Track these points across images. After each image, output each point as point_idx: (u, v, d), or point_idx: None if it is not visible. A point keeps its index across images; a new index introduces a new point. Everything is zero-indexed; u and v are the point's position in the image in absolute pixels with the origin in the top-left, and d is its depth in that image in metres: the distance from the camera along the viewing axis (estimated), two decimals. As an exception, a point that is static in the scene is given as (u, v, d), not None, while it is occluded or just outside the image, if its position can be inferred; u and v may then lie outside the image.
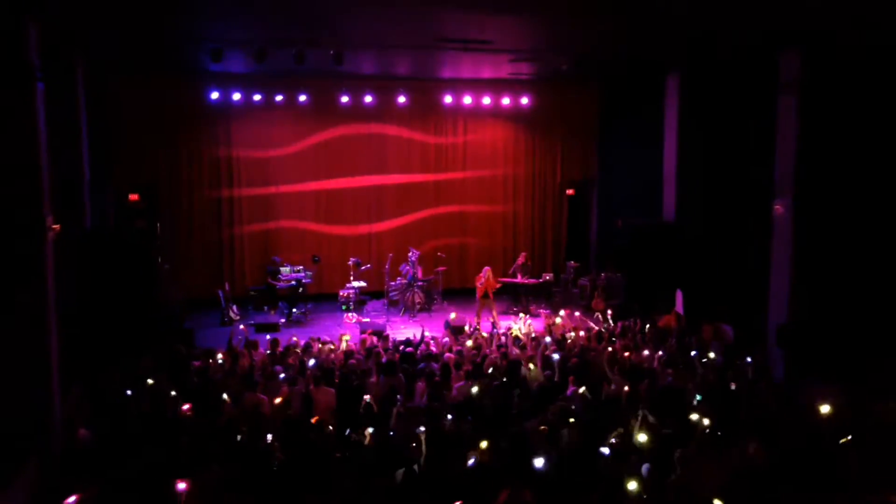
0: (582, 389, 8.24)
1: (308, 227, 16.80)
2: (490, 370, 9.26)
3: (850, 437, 6.67)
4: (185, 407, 7.61)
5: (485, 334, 11.47)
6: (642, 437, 6.61)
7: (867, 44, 9.87)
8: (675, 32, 11.26)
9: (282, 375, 8.70)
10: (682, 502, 5.82)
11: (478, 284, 14.39)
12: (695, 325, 11.79)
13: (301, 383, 8.54)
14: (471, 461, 6.23)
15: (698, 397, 8.12)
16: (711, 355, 9.69)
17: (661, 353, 9.90)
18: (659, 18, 10.18)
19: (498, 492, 5.63)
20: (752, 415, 7.63)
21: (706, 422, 7.05)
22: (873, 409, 7.51)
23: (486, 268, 14.57)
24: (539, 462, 6.06)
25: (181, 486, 5.50)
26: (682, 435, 6.85)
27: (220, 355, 9.96)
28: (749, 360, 9.68)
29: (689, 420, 7.17)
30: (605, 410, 7.81)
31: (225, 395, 7.93)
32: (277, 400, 7.82)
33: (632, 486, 5.79)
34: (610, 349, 9.99)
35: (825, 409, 7.26)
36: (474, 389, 8.24)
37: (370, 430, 6.96)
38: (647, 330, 11.34)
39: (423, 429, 6.76)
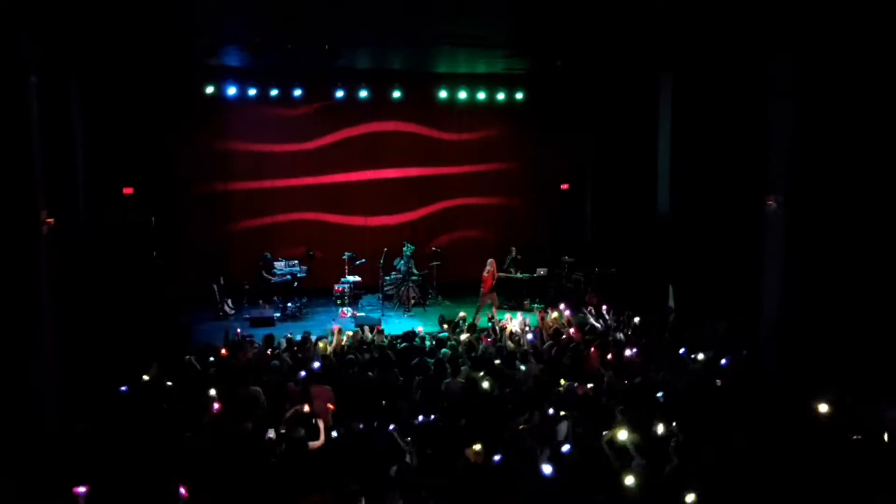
0: (577, 384, 8.29)
1: (303, 222, 16.81)
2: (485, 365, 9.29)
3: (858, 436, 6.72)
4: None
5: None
6: (623, 436, 6.56)
7: (860, 43, 9.90)
8: (668, 32, 11.29)
9: (302, 374, 8.65)
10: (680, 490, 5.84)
11: (485, 276, 14.34)
12: (688, 321, 11.83)
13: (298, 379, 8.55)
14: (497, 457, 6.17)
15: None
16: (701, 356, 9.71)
17: (650, 348, 9.95)
18: (653, 19, 10.23)
19: (493, 489, 5.68)
20: (743, 410, 7.69)
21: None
22: (867, 406, 7.55)
23: (492, 260, 14.51)
24: (547, 469, 6.04)
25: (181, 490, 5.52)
26: (672, 429, 6.91)
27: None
28: (742, 355, 9.74)
29: (679, 415, 7.22)
30: (597, 406, 7.85)
31: (213, 391, 7.90)
32: (306, 408, 7.66)
33: (629, 480, 5.79)
34: (603, 344, 10.04)
35: (823, 408, 7.30)
36: (486, 385, 8.27)
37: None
38: (639, 325, 11.39)
39: (393, 427, 6.78)
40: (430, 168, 17.46)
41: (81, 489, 5.46)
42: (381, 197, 17.22)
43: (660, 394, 8.15)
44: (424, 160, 17.40)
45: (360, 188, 17.11)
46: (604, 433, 6.70)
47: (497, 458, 6.32)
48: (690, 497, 5.59)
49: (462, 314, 12.22)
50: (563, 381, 8.42)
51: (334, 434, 7.05)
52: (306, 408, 7.58)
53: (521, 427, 6.89)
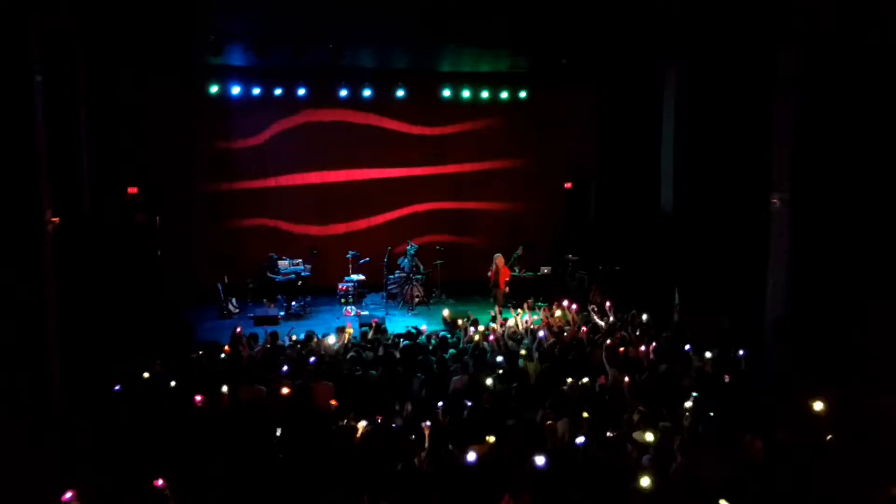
0: (581, 381, 8.28)
1: (307, 221, 16.84)
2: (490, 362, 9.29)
3: (830, 437, 6.69)
4: (198, 398, 7.61)
5: (481, 328, 11.42)
6: (649, 437, 6.57)
7: (866, 39, 9.87)
8: (673, 26, 11.27)
9: (284, 368, 8.71)
10: (686, 490, 5.83)
11: (490, 275, 14.50)
12: (692, 318, 11.81)
13: (301, 377, 8.56)
14: (471, 457, 6.13)
15: (694, 394, 8.12)
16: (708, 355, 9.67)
17: (654, 345, 9.92)
18: (658, 12, 10.21)
19: (497, 487, 5.66)
20: (748, 409, 7.67)
21: (699, 413, 7.06)
22: (870, 404, 7.53)
23: (498, 255, 14.62)
24: (540, 460, 6.06)
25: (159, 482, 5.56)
26: (677, 426, 6.90)
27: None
28: (745, 353, 9.71)
29: (684, 411, 7.21)
30: (601, 403, 7.84)
31: (224, 388, 7.92)
32: (285, 390, 7.81)
33: (645, 482, 5.76)
34: (607, 342, 10.00)
35: (818, 406, 7.29)
36: (489, 381, 8.27)
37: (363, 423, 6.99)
38: (644, 323, 11.36)
39: (428, 423, 6.78)
40: (433, 167, 17.46)
41: (68, 495, 5.44)
42: (386, 195, 17.22)
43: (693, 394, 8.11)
44: (428, 159, 17.40)
45: (365, 186, 17.12)
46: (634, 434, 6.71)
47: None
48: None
49: (446, 312, 12.31)
50: (569, 380, 8.42)
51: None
52: (285, 390, 7.71)
53: (548, 422, 6.87)
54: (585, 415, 6.94)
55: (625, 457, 6.38)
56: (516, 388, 8.36)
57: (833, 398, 7.42)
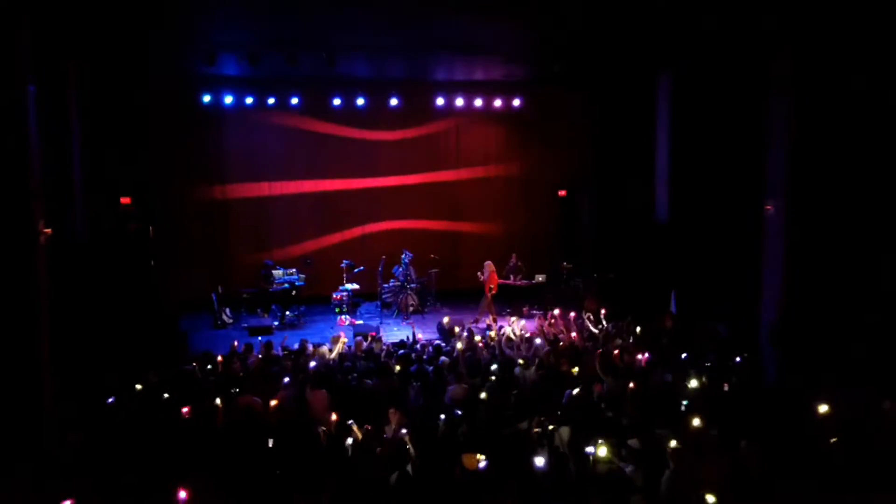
0: (576, 391, 8.25)
1: (301, 230, 16.81)
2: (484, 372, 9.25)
3: (836, 439, 6.67)
4: (185, 410, 7.55)
5: (477, 338, 11.38)
6: (602, 452, 6.32)
7: (860, 44, 9.90)
8: (666, 32, 11.31)
9: (286, 380, 8.65)
10: (678, 496, 5.81)
11: (482, 279, 14.61)
12: (688, 326, 11.81)
13: (295, 386, 8.51)
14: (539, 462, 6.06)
15: (685, 403, 8.09)
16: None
17: (651, 353, 9.91)
18: (651, 18, 10.24)
19: (493, 495, 5.63)
20: (745, 415, 7.65)
21: (696, 421, 7.05)
22: (867, 408, 7.52)
23: (488, 262, 14.65)
24: (539, 461, 6.02)
25: (182, 494, 5.49)
26: (674, 434, 6.87)
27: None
28: (741, 359, 9.71)
29: (681, 419, 7.19)
30: (596, 411, 7.82)
31: (217, 400, 7.86)
32: (273, 402, 7.78)
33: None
34: (602, 350, 9.99)
35: (823, 408, 7.27)
36: (483, 395, 8.21)
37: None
38: (639, 330, 11.36)
39: (404, 431, 6.75)
40: (428, 175, 17.48)
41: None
42: (380, 204, 17.22)
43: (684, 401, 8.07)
44: (422, 167, 17.42)
45: (359, 195, 17.11)
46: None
47: (482, 464, 6.21)
48: (711, 498, 5.57)
49: (447, 318, 12.25)
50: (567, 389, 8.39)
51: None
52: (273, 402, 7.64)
53: (534, 430, 6.84)
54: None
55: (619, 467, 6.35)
56: (512, 396, 8.33)
57: (829, 401, 7.43)
